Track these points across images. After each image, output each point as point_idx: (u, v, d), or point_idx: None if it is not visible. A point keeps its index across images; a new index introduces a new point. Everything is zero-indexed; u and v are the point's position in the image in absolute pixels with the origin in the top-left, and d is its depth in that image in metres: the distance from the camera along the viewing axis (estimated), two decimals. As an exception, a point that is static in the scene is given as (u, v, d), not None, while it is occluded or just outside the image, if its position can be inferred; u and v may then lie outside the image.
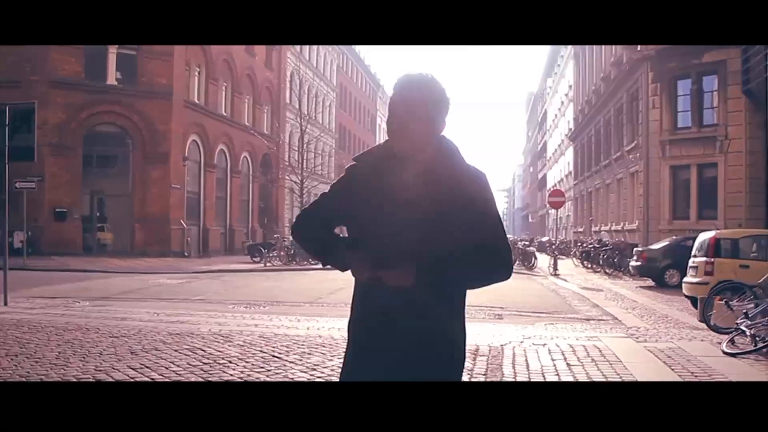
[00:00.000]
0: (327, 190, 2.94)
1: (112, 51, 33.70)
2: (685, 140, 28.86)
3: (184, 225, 35.62)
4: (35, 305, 13.47)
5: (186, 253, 34.59)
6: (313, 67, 58.82)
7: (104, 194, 34.83)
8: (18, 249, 28.37)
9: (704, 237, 14.96)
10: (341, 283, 20.57)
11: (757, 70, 23.33)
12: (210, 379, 6.85)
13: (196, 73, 38.68)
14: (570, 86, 60.00)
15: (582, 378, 7.13)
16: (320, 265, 30.43)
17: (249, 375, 7.02)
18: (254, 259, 32.13)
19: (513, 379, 7.03)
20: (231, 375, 7.01)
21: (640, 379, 7.07)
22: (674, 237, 23.59)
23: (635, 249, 24.43)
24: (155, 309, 13.25)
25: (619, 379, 7.05)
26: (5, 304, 13.19)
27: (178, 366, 7.42)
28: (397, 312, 2.60)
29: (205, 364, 7.55)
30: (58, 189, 31.71)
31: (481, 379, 6.99)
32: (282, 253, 31.34)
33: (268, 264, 30.09)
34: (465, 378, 6.82)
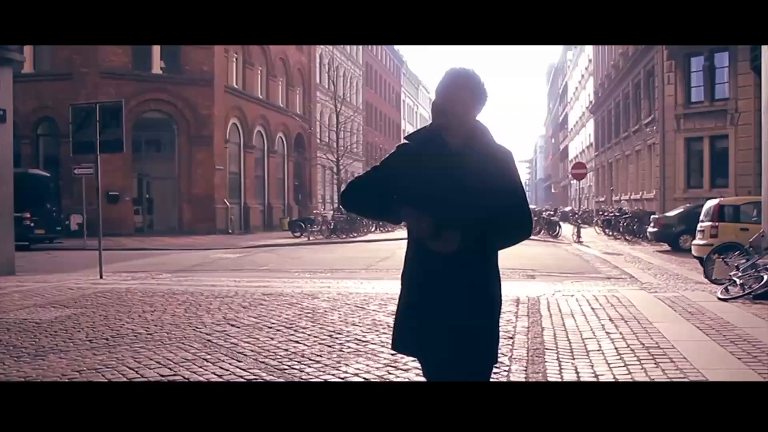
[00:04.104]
0: (378, 164, 3.24)
1: (157, 42, 35.42)
2: (698, 114, 30.39)
3: (228, 204, 37.58)
4: (125, 278, 15.03)
5: (230, 230, 36.63)
6: (340, 47, 60.24)
7: (152, 177, 36.83)
8: (74, 231, 30.50)
9: (710, 204, 16.95)
10: (385, 252, 22.64)
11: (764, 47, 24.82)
12: (317, 322, 8.93)
13: (234, 59, 40.40)
14: (590, 60, 61.04)
15: (602, 315, 9.20)
16: (360, 238, 32.48)
17: (345, 320, 9.05)
18: (295, 234, 33.84)
19: (548, 318, 9.09)
20: (332, 320, 9.08)
21: (647, 316, 9.12)
22: (688, 204, 24.88)
23: (652, 216, 25.87)
24: (233, 278, 15.01)
25: (633, 321, 8.98)
26: (101, 277, 14.81)
27: (287, 315, 9.50)
28: (443, 271, 2.97)
29: (308, 314, 9.61)
30: (111, 174, 33.66)
31: (524, 317, 9.06)
32: (323, 227, 33.30)
33: (311, 238, 31.91)
34: (512, 318, 8.93)
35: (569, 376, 6.11)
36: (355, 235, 33.60)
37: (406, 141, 3.21)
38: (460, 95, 3.03)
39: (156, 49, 35.74)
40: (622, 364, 6.49)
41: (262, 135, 44.37)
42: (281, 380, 6.00)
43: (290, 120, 47.77)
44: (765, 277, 10.65)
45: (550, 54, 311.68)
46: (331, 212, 37.98)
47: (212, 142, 36.28)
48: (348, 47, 64.07)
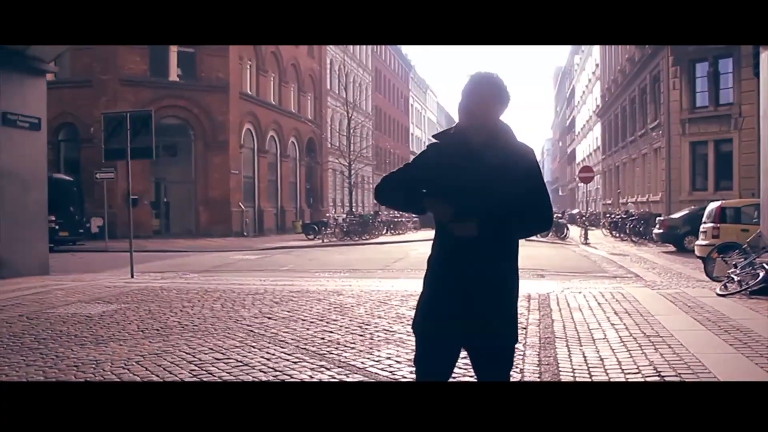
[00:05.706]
0: (410, 161, 3.50)
1: (173, 50, 36.35)
2: (703, 118, 31.13)
3: (243, 207, 38.47)
4: (155, 277, 15.65)
5: (245, 233, 37.49)
6: (350, 53, 61.22)
7: (169, 181, 37.67)
8: (95, 233, 31.33)
9: (712, 206, 17.71)
10: (399, 254, 23.41)
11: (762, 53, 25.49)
12: (346, 315, 9.71)
13: (248, 66, 41.37)
14: (597, 64, 61.62)
15: (608, 309, 9.97)
16: (372, 240, 33.27)
17: (371, 313, 9.82)
18: (309, 236, 34.46)
19: (558, 311, 9.87)
20: (360, 313, 9.86)
21: (649, 309, 9.89)
22: (693, 207, 25.45)
23: (658, 218, 26.38)
24: (257, 277, 15.70)
25: (636, 314, 9.70)
26: (132, 276, 15.50)
27: (317, 309, 10.28)
28: (465, 256, 3.19)
29: (336, 308, 10.39)
30: (130, 178, 34.47)
31: (535, 311, 9.84)
32: (337, 230, 34.07)
33: (325, 240, 32.65)
34: (524, 312, 9.70)
35: (577, 360, 6.86)
36: (368, 237, 34.41)
37: (435, 140, 3.46)
38: (484, 97, 3.23)
39: (173, 57, 36.63)
40: (625, 350, 7.25)
41: (275, 140, 45.32)
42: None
43: (302, 125, 48.81)
44: (761, 274, 11.38)
45: (557, 57, 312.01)
46: (344, 215, 38.77)
47: (227, 147, 37.17)
48: (357, 53, 64.92)
